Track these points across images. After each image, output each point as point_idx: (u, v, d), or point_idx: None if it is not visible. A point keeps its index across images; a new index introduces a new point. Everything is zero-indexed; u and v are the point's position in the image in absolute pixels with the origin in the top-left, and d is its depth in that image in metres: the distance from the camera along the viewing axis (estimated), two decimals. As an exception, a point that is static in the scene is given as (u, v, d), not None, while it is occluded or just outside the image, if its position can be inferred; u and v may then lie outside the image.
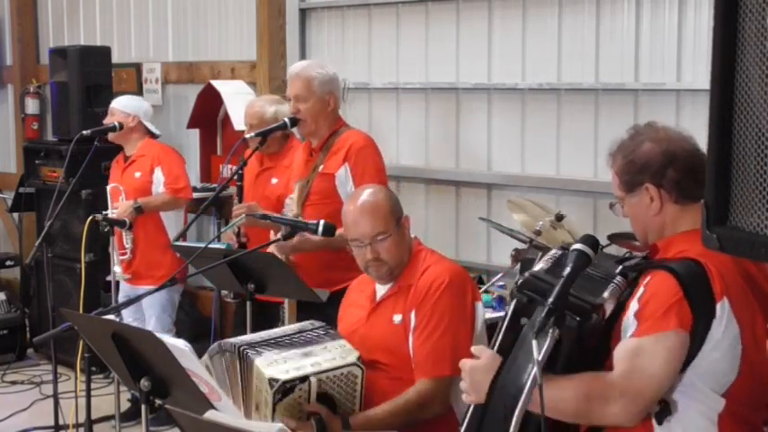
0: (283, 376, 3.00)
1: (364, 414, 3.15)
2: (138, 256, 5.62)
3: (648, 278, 2.49)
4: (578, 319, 2.40)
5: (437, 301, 3.21)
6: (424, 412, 3.18)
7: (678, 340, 2.40)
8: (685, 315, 2.40)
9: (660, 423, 2.44)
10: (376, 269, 3.33)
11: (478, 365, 2.52)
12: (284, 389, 3.00)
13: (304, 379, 3.03)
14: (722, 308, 2.42)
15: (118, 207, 5.51)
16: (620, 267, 2.60)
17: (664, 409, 2.43)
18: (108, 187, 5.67)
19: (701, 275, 2.43)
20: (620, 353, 2.44)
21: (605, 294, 2.50)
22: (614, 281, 2.55)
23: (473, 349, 2.60)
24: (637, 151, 2.60)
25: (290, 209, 4.32)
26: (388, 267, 3.32)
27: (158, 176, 5.66)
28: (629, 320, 2.46)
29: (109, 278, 5.41)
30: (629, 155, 2.61)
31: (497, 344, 2.54)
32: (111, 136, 5.67)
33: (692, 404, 2.44)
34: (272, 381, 2.99)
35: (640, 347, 2.41)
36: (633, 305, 2.47)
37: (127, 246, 5.58)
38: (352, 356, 3.14)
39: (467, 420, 2.56)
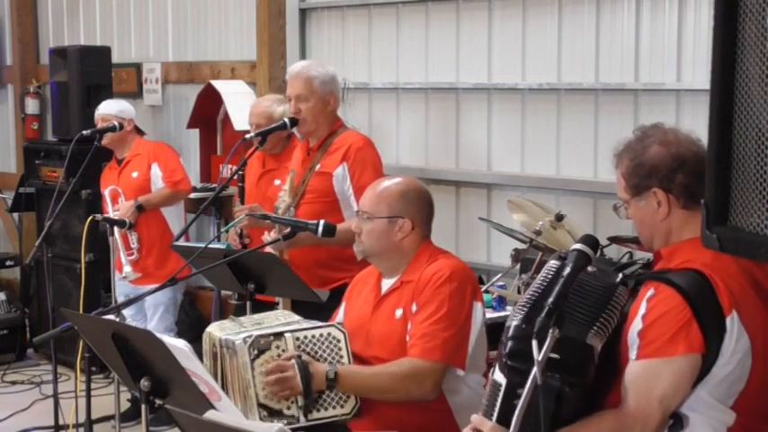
0: (257, 332, 3.05)
1: (351, 367, 3.15)
2: (144, 255, 5.63)
3: (652, 291, 2.43)
4: (580, 388, 2.36)
5: (435, 292, 3.21)
6: (414, 387, 3.15)
7: (687, 364, 2.37)
8: (694, 337, 2.36)
9: None
10: (356, 243, 3.41)
11: None
12: (259, 345, 3.03)
13: (279, 335, 3.05)
14: (732, 322, 2.38)
15: (119, 209, 5.52)
16: (621, 276, 2.53)
17: (676, 423, 2.41)
18: (105, 191, 5.66)
19: (707, 290, 2.39)
20: (628, 379, 2.41)
21: (588, 339, 2.37)
22: (624, 285, 2.48)
23: (474, 420, 2.47)
24: (645, 154, 2.54)
25: (283, 200, 4.30)
26: (362, 249, 3.38)
27: (156, 172, 5.69)
28: (632, 337, 2.43)
29: (119, 279, 5.40)
30: (637, 157, 2.55)
31: (496, 414, 2.40)
32: (106, 139, 5.67)
33: (702, 419, 2.42)
34: (246, 339, 3.03)
35: (645, 372, 2.38)
36: (637, 323, 2.42)
37: (133, 246, 5.59)
38: (332, 324, 3.18)
39: None
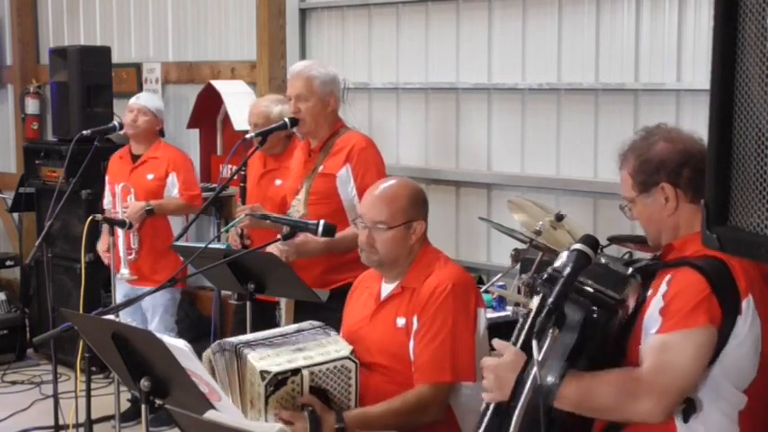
0: (275, 369, 3.02)
1: (360, 410, 3.14)
2: (143, 257, 5.62)
3: (670, 276, 2.48)
4: (605, 314, 2.42)
5: (439, 307, 3.19)
6: (421, 416, 3.16)
7: (707, 336, 2.40)
8: (714, 311, 2.40)
9: (686, 421, 2.45)
10: (366, 255, 3.33)
11: (504, 362, 2.49)
12: (276, 381, 3.01)
13: (296, 372, 3.04)
14: (747, 305, 2.44)
15: (128, 207, 5.50)
16: (631, 269, 2.58)
17: (689, 407, 2.44)
18: (117, 187, 5.63)
19: (725, 272, 2.43)
20: (648, 349, 2.44)
21: (627, 291, 2.50)
22: (633, 277, 2.55)
23: (496, 345, 2.57)
24: (652, 151, 2.60)
25: (297, 209, 4.32)
26: (378, 259, 3.31)
27: (173, 181, 5.68)
28: (651, 317, 2.46)
29: (118, 277, 5.41)
30: (644, 154, 2.60)
31: (521, 340, 2.52)
32: (129, 132, 5.71)
33: (715, 402, 2.45)
34: (263, 373, 3.01)
35: (668, 343, 2.41)
36: (656, 302, 2.46)
37: (134, 246, 5.58)
38: (346, 350, 3.15)
39: (487, 419, 2.52)
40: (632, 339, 2.51)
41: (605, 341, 2.46)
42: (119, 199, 5.58)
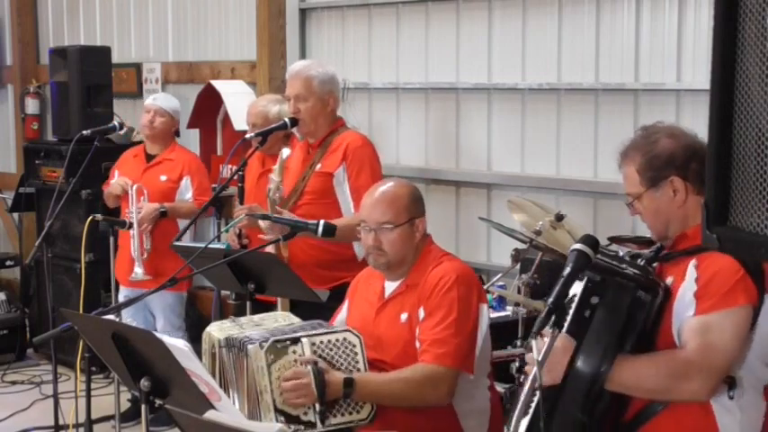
0: (273, 337, 3.05)
1: (367, 375, 3.13)
2: (149, 257, 5.60)
3: (695, 261, 2.56)
4: (649, 296, 2.51)
5: (444, 296, 3.21)
6: (431, 391, 3.15)
7: (745, 315, 2.51)
8: (751, 290, 2.51)
9: (731, 398, 2.53)
10: (375, 258, 3.35)
11: (555, 348, 2.49)
12: (275, 349, 3.02)
13: (296, 341, 3.05)
14: None
15: (141, 207, 5.49)
16: (641, 261, 2.67)
17: (731, 385, 2.53)
18: (132, 188, 5.60)
19: None
20: (688, 331, 2.52)
21: (653, 276, 2.59)
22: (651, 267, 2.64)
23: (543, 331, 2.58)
24: (658, 147, 2.68)
25: (272, 179, 4.20)
26: (387, 260, 3.32)
27: (186, 185, 5.66)
28: (683, 302, 2.54)
29: (132, 278, 5.40)
30: (651, 151, 2.68)
31: (567, 324, 2.56)
32: (145, 133, 5.70)
33: (748, 379, 2.55)
34: (262, 343, 3.02)
35: (709, 324, 2.50)
36: (687, 287, 2.55)
37: (146, 247, 5.55)
38: (346, 329, 3.18)
39: (534, 404, 2.53)
40: (662, 326, 2.57)
41: (647, 322, 2.54)
42: (132, 200, 5.56)
